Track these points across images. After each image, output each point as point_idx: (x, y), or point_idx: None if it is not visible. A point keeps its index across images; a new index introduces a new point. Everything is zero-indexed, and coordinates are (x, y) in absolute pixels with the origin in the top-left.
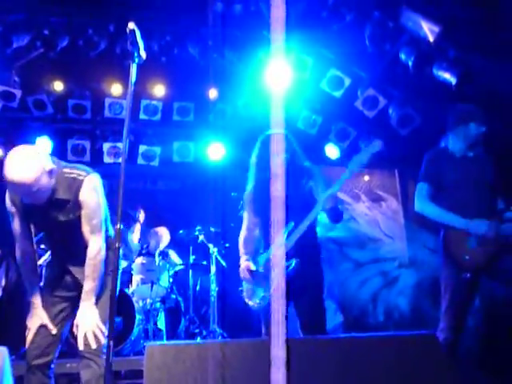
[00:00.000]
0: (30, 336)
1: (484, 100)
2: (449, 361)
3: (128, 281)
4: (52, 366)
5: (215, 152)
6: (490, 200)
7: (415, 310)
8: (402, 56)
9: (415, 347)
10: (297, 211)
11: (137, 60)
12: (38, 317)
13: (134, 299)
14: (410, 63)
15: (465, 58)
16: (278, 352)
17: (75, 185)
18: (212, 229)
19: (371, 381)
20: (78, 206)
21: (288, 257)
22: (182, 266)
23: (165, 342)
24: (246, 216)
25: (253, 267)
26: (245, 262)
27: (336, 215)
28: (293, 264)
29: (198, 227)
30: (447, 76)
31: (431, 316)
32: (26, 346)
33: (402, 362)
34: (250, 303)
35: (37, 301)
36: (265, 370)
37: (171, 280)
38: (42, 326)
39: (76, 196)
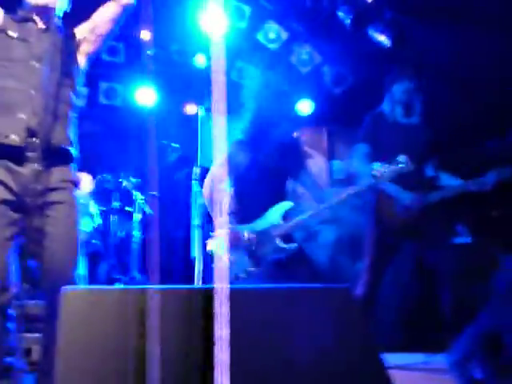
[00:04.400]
0: None
1: (417, 63)
2: (362, 315)
3: None
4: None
5: (145, 97)
6: (418, 168)
7: (333, 263)
8: (340, 14)
9: (330, 299)
10: None
11: None
12: None
13: None
14: (347, 22)
15: (400, 20)
16: (222, 308)
17: None
18: (133, 179)
19: (284, 332)
20: None
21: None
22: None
23: (82, 286)
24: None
25: (246, 234)
26: (230, 227)
27: None
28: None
29: (123, 173)
30: (382, 38)
31: (348, 269)
32: None
33: (316, 314)
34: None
35: None
36: (190, 319)
37: (93, 225)
38: None
39: None
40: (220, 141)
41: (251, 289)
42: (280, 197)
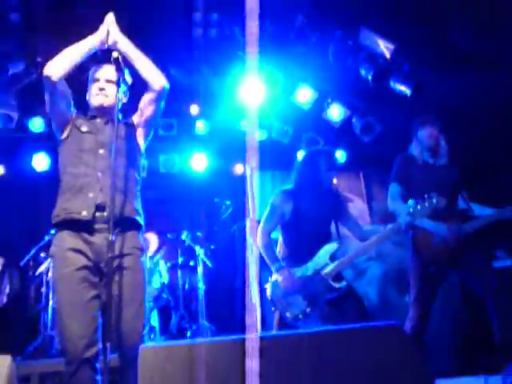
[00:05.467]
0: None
1: (436, 109)
2: (415, 350)
3: None
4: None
5: (198, 163)
6: (450, 203)
7: (382, 297)
8: (362, 71)
9: (381, 338)
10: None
11: (122, 86)
12: None
13: None
14: (370, 77)
15: (418, 71)
16: (252, 344)
17: None
18: (198, 233)
19: (339, 374)
20: None
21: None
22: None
23: (157, 342)
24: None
25: (298, 275)
26: (286, 271)
27: None
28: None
29: (185, 231)
30: (403, 88)
31: (397, 302)
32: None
33: (368, 353)
34: (288, 315)
35: None
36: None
37: (162, 281)
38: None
39: None
40: (254, 193)
41: (299, 334)
42: (326, 240)
